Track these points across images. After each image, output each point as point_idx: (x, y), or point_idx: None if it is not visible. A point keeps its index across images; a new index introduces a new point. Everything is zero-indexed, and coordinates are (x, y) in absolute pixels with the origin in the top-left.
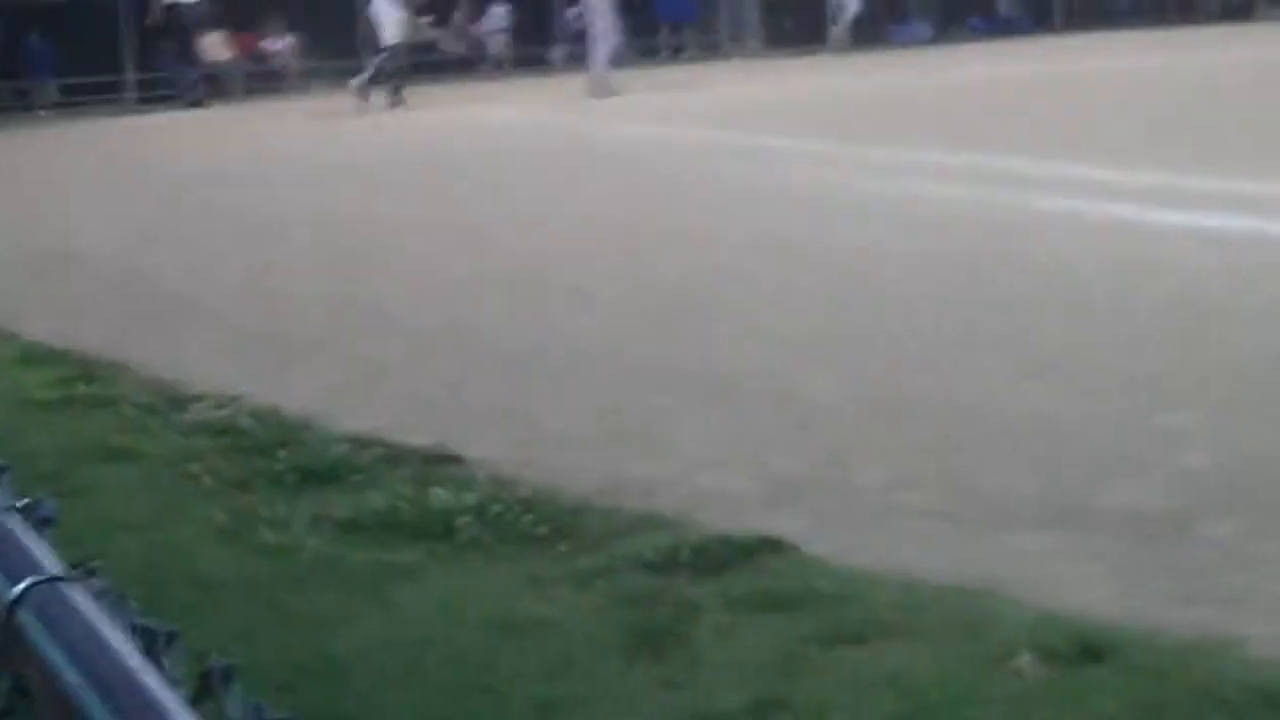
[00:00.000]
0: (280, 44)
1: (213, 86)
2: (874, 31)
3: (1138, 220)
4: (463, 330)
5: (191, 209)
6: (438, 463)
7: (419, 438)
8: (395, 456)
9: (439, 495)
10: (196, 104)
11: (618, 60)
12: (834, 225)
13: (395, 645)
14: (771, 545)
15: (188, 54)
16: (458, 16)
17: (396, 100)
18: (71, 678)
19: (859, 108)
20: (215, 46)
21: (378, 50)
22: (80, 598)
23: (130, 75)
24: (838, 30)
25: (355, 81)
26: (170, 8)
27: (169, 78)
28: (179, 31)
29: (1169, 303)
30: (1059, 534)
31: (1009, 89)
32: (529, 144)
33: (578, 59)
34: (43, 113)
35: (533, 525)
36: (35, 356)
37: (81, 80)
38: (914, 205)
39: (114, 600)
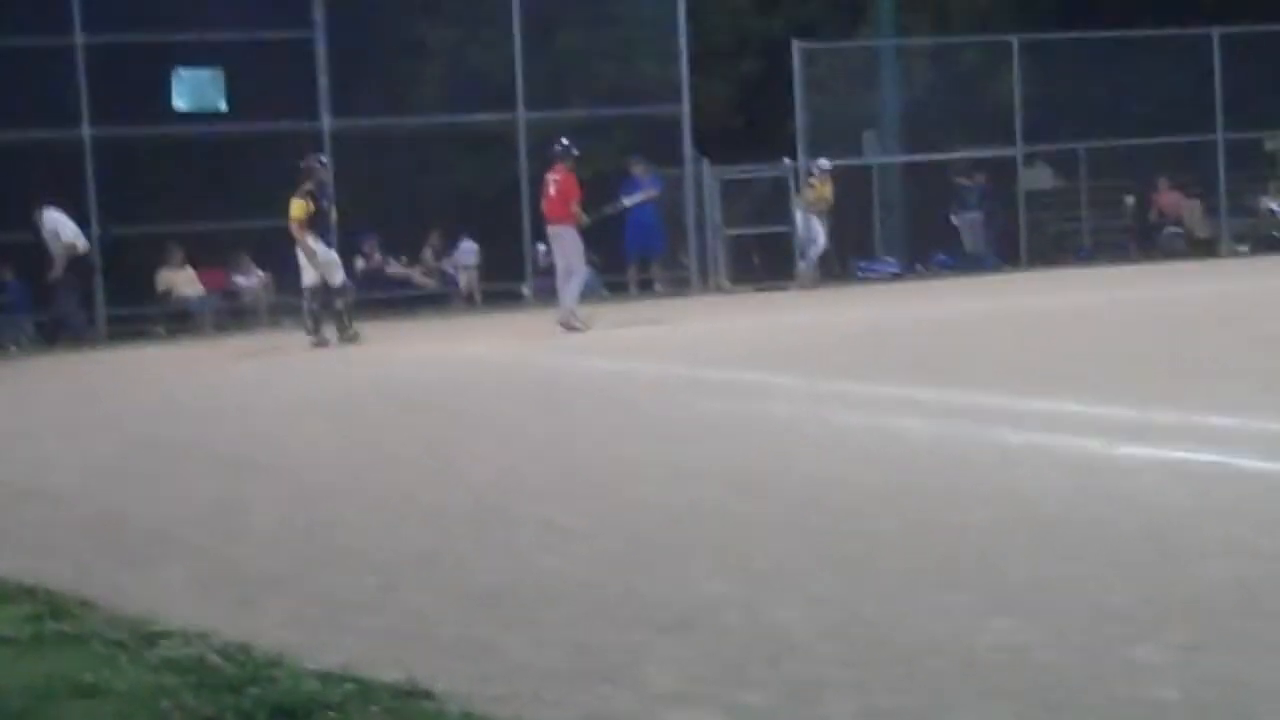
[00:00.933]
0: (250, 280)
1: (181, 322)
2: (841, 267)
3: (1105, 454)
4: (432, 564)
5: (160, 444)
6: (410, 697)
7: (391, 672)
8: (367, 692)
9: None
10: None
11: (587, 295)
12: (801, 458)
13: None
14: None
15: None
16: (428, 252)
17: (349, 336)
18: None
19: (827, 342)
20: (185, 282)
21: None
22: None
23: (101, 311)
24: (805, 266)
25: (308, 337)
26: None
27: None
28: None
29: (1136, 536)
30: None
31: (976, 324)
32: (498, 378)
33: (548, 294)
34: (14, 349)
35: None
36: (4, 593)
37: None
38: (882, 439)
39: None
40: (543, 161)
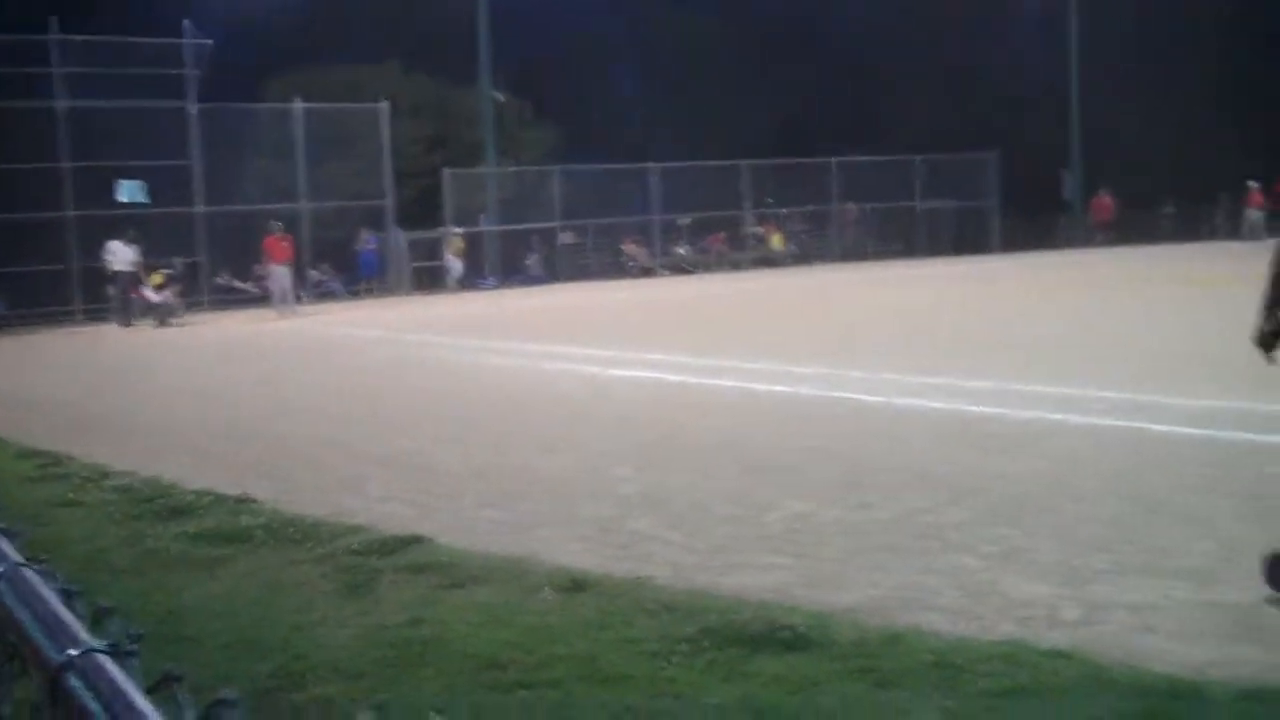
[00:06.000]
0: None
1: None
2: (469, 281)
3: (603, 373)
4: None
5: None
6: (243, 503)
7: (232, 490)
8: (220, 500)
9: (243, 519)
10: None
11: (336, 297)
12: (455, 379)
13: (217, 597)
14: (418, 540)
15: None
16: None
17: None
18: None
19: (462, 320)
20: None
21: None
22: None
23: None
24: (450, 281)
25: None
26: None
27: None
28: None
29: (617, 416)
30: (559, 529)
31: (539, 309)
32: (308, 339)
33: (328, 295)
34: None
35: (293, 533)
36: (24, 454)
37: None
38: (485, 369)
39: (55, 579)
40: (321, 227)
